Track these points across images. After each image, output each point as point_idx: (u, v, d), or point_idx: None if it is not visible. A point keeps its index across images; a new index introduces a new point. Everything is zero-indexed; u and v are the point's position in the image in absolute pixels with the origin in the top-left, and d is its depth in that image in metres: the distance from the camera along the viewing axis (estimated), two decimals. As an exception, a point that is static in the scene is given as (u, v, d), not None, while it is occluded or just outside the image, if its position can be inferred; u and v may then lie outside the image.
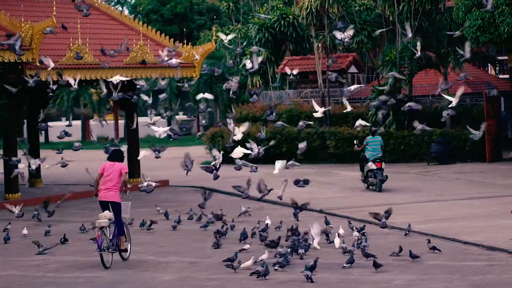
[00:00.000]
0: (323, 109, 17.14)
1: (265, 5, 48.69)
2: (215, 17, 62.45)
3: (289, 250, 15.85)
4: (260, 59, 17.38)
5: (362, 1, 39.57)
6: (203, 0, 69.48)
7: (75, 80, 19.53)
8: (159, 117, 19.45)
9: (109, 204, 16.11)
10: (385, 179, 25.44)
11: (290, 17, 43.04)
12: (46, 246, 17.67)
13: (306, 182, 16.41)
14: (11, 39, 19.37)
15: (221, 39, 47.18)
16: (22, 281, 15.17)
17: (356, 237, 17.31)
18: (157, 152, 17.65)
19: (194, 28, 66.05)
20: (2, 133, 26.27)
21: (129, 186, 16.50)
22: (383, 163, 25.39)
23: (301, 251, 16.10)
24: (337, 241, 16.88)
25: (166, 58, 19.82)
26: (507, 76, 40.51)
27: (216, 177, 16.56)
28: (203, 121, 61.31)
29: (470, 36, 29.17)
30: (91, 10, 29.87)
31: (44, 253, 17.52)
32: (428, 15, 33.52)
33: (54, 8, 24.77)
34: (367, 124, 19.91)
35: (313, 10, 36.14)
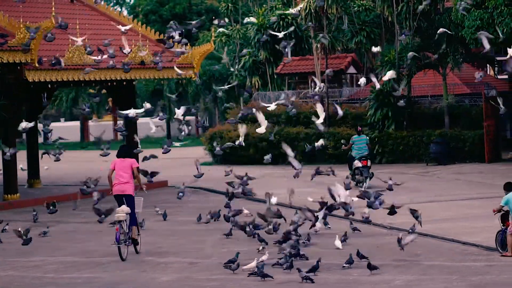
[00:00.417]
0: (323, 115, 17.18)
1: (264, 5, 48.66)
2: (214, 17, 62.42)
3: (291, 250, 15.83)
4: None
5: (361, 2, 39.57)
6: (202, 1, 69.48)
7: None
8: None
9: (123, 198, 16.72)
10: (371, 176, 26.07)
11: (289, 17, 43.03)
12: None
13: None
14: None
15: (220, 39, 46.99)
16: (21, 281, 15.16)
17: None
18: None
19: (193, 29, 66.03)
20: (1, 134, 26.24)
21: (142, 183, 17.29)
22: (369, 161, 26.30)
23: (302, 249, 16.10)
24: (337, 243, 16.91)
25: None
26: (506, 76, 40.53)
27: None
28: (202, 121, 61.25)
29: (469, 37, 29.17)
30: (91, 10, 29.94)
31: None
32: (427, 16, 33.52)
33: (53, 9, 24.76)
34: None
35: (312, 11, 36.13)
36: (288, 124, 35.13)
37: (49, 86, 26.97)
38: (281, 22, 42.70)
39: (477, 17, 29.09)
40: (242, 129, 17.15)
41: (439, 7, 33.74)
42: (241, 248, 16.80)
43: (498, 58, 38.35)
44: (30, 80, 24.85)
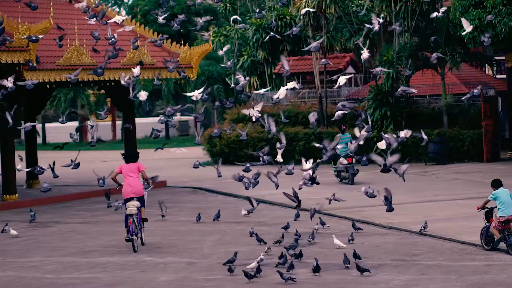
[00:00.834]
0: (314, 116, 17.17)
1: (262, 5, 48.64)
2: (212, 17, 62.40)
3: (291, 252, 15.85)
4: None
5: (359, 1, 39.56)
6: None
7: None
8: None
9: (134, 198, 17.79)
10: (356, 172, 27.67)
11: (287, 17, 43.00)
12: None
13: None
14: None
15: (218, 39, 46.95)
16: (20, 282, 15.17)
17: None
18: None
19: (192, 29, 66.00)
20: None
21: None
22: (353, 158, 26.80)
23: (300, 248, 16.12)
24: (337, 241, 16.92)
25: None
26: (504, 76, 40.52)
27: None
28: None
29: (467, 36, 29.17)
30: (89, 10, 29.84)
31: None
32: (425, 16, 33.52)
33: (51, 9, 24.74)
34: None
35: (310, 11, 36.11)
36: (288, 124, 35.12)
37: (48, 86, 26.94)
38: (279, 22, 42.68)
39: (475, 16, 29.09)
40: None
41: (437, 6, 33.73)
42: (240, 248, 16.81)
43: (496, 58, 38.35)
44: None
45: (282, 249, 16.47)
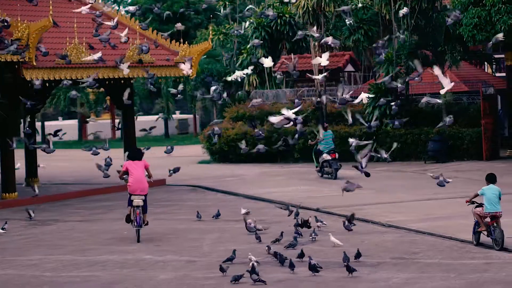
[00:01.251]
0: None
1: (262, 3, 48.62)
2: (211, 16, 62.39)
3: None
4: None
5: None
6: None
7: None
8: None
9: (141, 195, 18.29)
10: (339, 167, 28.59)
11: (287, 15, 43.00)
12: None
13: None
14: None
15: (218, 37, 46.95)
16: (19, 280, 15.16)
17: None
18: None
19: (191, 27, 65.99)
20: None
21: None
22: (336, 154, 28.80)
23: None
24: (333, 239, 16.93)
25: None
26: (503, 74, 40.51)
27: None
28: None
29: (466, 35, 29.16)
30: (89, 9, 29.84)
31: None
32: (425, 14, 33.51)
33: (51, 7, 24.72)
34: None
35: (310, 9, 36.10)
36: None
37: (47, 84, 26.93)
38: (279, 20, 42.69)
39: (475, 14, 29.07)
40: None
41: (436, 5, 33.74)
42: (239, 246, 16.81)
43: (496, 56, 38.34)
44: (28, 79, 24.81)
45: (282, 249, 16.49)
